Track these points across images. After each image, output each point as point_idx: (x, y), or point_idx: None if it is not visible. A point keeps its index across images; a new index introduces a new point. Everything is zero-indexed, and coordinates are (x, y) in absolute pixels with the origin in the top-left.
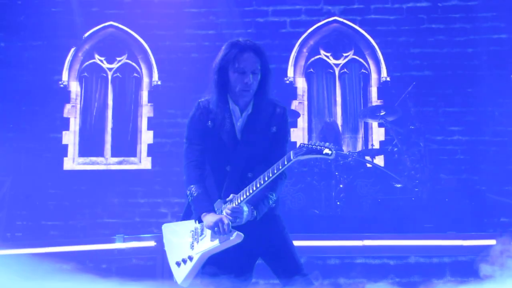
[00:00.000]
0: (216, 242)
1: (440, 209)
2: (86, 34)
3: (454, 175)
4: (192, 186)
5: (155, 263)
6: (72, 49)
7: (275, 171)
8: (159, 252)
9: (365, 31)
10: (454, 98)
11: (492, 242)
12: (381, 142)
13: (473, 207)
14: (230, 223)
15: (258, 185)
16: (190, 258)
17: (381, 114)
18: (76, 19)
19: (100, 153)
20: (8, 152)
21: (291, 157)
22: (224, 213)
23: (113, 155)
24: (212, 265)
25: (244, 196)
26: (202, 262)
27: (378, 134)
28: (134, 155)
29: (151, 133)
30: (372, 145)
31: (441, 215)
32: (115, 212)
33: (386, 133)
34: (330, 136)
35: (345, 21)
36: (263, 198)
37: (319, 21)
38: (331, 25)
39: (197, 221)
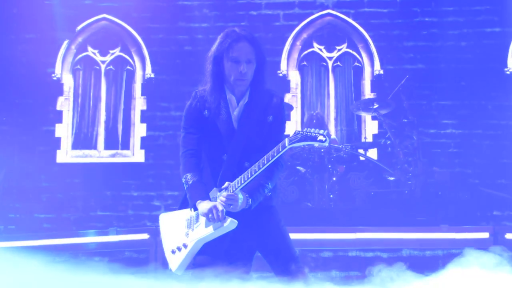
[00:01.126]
0: (210, 229)
1: (433, 202)
2: (79, 27)
3: (447, 168)
4: (188, 174)
5: (148, 256)
6: (65, 42)
7: (270, 159)
8: (152, 244)
9: (359, 24)
10: (447, 91)
11: (485, 235)
12: (374, 135)
13: (466, 201)
14: (224, 210)
15: (253, 173)
16: (185, 245)
17: (374, 107)
18: (69, 12)
19: (93, 146)
20: (1, 145)
21: (286, 144)
22: (218, 200)
23: (106, 148)
24: (206, 255)
25: (239, 184)
26: (197, 250)
27: (371, 127)
28: (127, 148)
29: (144, 126)
30: (365, 138)
31: (434, 208)
32: (108, 205)
33: (379, 126)
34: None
35: (338, 14)
36: (258, 186)
37: (313, 14)
38: (324, 18)
39: (192, 209)
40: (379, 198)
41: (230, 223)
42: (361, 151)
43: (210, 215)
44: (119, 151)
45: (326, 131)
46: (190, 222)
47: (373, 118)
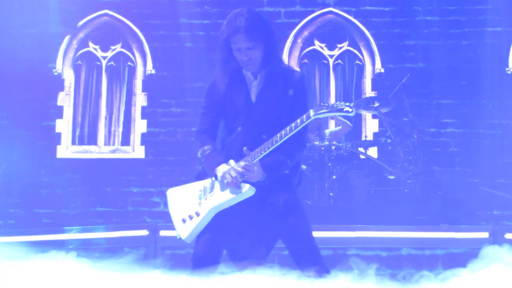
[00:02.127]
0: (226, 195)
1: (433, 201)
2: (81, 23)
3: (448, 167)
4: (204, 147)
5: (148, 252)
6: (67, 37)
7: (293, 129)
8: (152, 241)
9: (360, 22)
10: (448, 90)
11: (485, 234)
12: (374, 134)
13: (466, 200)
14: (239, 176)
15: (274, 143)
16: (197, 214)
17: (375, 105)
18: (71, 7)
19: (94, 142)
20: (1, 139)
21: (311, 115)
22: (235, 167)
23: (106, 143)
24: (210, 233)
25: (258, 155)
26: (209, 219)
27: (371, 126)
28: (128, 144)
29: (144, 122)
30: (366, 136)
31: (434, 207)
32: (108, 201)
33: (380, 124)
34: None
35: (340, 12)
36: (276, 161)
37: (314, 11)
38: (326, 16)
39: (207, 180)
40: (379, 197)
41: (248, 190)
42: (361, 149)
43: (225, 181)
44: (119, 147)
45: (352, 103)
46: (204, 192)
47: (374, 116)
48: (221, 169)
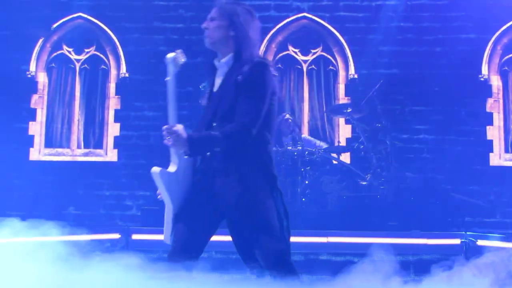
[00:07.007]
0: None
1: (405, 207)
2: (55, 25)
3: (420, 173)
4: None
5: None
6: (41, 40)
7: None
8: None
9: (334, 28)
10: (421, 96)
11: (456, 241)
12: (347, 139)
13: (438, 206)
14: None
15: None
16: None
17: (348, 111)
18: (45, 10)
19: (67, 145)
20: None
21: None
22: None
23: (79, 146)
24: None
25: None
26: (161, 185)
27: (344, 131)
28: (101, 147)
29: (118, 125)
30: (339, 142)
31: (406, 214)
32: (80, 204)
33: (353, 130)
34: (284, 132)
35: (314, 17)
36: (205, 135)
37: (288, 16)
38: (300, 21)
39: None
40: (352, 202)
41: (154, 172)
42: (334, 155)
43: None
44: (92, 150)
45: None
46: None
47: (347, 122)
48: None
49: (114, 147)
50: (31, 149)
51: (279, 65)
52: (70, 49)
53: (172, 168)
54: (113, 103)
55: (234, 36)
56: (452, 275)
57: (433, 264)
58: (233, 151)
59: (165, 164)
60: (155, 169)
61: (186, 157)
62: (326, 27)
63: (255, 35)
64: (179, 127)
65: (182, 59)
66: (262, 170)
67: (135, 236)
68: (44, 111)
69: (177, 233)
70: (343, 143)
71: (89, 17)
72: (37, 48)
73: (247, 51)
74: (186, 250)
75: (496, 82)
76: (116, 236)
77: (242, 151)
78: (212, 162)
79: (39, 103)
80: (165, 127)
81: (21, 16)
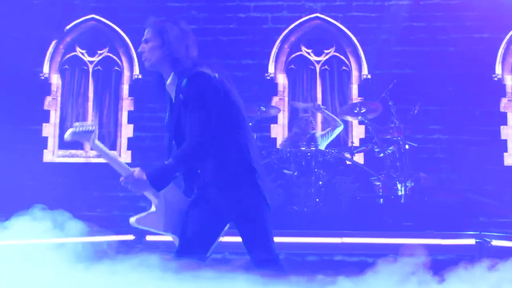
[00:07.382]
0: None
1: (419, 207)
2: (68, 27)
3: (434, 173)
4: None
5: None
6: (54, 42)
7: None
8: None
9: (347, 28)
10: (434, 96)
11: (471, 241)
12: (361, 140)
13: (452, 206)
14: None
15: None
16: None
17: (362, 111)
18: (58, 12)
19: (80, 146)
20: None
21: None
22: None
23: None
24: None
25: None
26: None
27: (358, 132)
28: (114, 148)
29: (131, 126)
30: (352, 142)
31: (420, 214)
32: (94, 205)
33: (366, 130)
34: (305, 131)
35: (326, 18)
36: (158, 167)
37: (301, 17)
38: (312, 21)
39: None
40: (365, 203)
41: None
42: (347, 155)
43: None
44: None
45: None
46: None
47: (360, 122)
48: None
49: (128, 149)
50: (44, 150)
51: (292, 66)
52: (83, 51)
53: (152, 208)
54: (126, 104)
55: (169, 54)
56: (467, 275)
57: (447, 265)
58: (213, 163)
59: None
60: (131, 220)
61: (158, 192)
62: (338, 27)
63: (189, 45)
64: (135, 171)
65: (90, 127)
66: (242, 170)
67: (149, 238)
68: (58, 112)
69: (182, 234)
70: (356, 143)
71: (102, 19)
72: (50, 50)
73: (184, 66)
74: (192, 250)
75: (510, 81)
76: (130, 237)
77: (218, 158)
78: (203, 177)
79: (52, 105)
80: (121, 179)
81: (34, 18)
